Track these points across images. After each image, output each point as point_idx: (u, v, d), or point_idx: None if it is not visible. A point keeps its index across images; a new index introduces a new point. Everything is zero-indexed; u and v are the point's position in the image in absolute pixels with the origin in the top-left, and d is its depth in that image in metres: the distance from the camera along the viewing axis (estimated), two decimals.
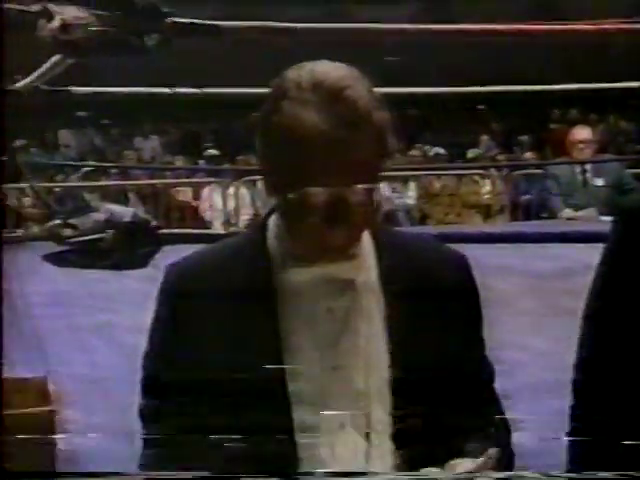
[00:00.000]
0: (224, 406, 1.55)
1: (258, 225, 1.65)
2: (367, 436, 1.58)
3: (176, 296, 1.61)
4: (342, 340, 1.58)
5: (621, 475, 1.54)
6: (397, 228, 1.74)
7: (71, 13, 2.47)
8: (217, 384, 1.55)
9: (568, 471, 1.69)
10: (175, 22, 2.68)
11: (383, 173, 1.57)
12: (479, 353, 1.68)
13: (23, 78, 3.09)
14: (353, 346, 1.59)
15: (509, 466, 1.63)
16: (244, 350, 1.56)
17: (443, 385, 1.59)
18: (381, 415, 1.57)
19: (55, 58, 2.85)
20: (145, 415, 1.64)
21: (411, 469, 1.56)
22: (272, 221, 1.62)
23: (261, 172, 1.59)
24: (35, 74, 3.01)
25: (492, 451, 1.54)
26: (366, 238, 1.62)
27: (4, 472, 1.18)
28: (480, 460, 1.53)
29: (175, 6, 2.74)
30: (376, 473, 1.55)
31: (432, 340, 1.60)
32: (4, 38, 1.25)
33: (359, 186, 1.51)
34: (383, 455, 1.58)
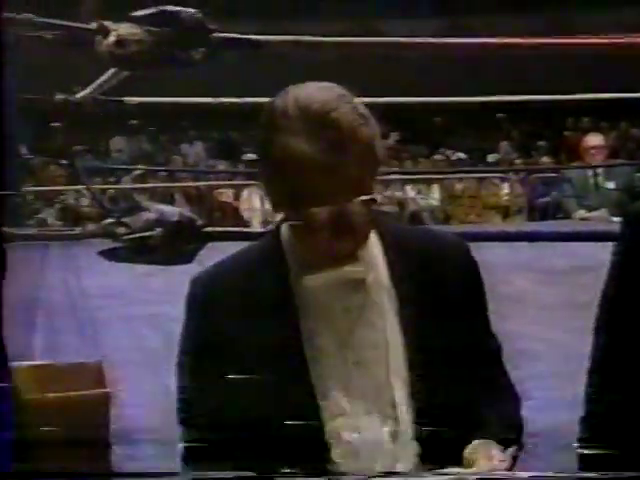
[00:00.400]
0: (256, 404, 1.55)
1: (273, 233, 1.64)
2: (392, 420, 1.57)
3: (203, 307, 1.60)
4: (360, 336, 1.58)
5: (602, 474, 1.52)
6: (398, 224, 1.72)
7: (125, 30, 2.48)
8: (247, 385, 1.54)
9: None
10: (219, 37, 2.68)
11: (378, 178, 1.56)
12: (486, 329, 1.67)
13: (82, 90, 3.11)
14: (371, 340, 1.58)
15: (519, 436, 1.62)
16: (269, 352, 1.55)
17: (457, 364, 1.58)
18: (403, 401, 1.57)
19: (110, 71, 2.87)
20: (183, 421, 1.62)
21: (433, 451, 1.56)
22: (284, 231, 1.61)
23: (265, 194, 1.59)
24: (92, 86, 3.03)
25: (511, 449, 1.53)
26: (372, 237, 1.61)
27: (5, 472, 1.16)
28: (498, 453, 1.51)
29: (220, 22, 2.75)
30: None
31: (443, 324, 1.59)
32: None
33: (357, 199, 1.50)
34: (407, 436, 1.57)
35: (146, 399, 4.05)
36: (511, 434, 1.59)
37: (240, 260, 1.67)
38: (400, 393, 1.58)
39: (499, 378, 1.66)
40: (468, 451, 1.54)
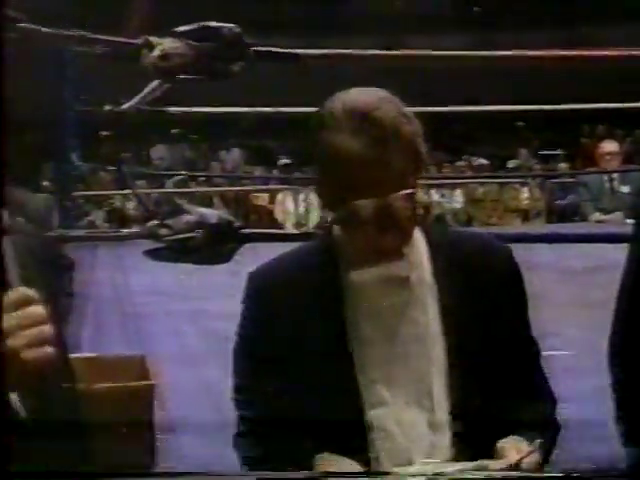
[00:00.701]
0: (304, 390, 1.55)
1: (325, 232, 1.66)
2: (430, 412, 1.57)
3: (259, 298, 1.62)
4: (403, 330, 1.58)
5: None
6: (445, 225, 1.70)
7: (169, 44, 2.48)
8: (298, 370, 1.56)
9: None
10: (257, 50, 2.68)
11: (420, 177, 1.57)
12: (526, 333, 1.66)
13: (127, 101, 3.13)
14: (413, 335, 1.58)
15: (553, 437, 1.61)
16: (319, 343, 1.56)
17: (494, 363, 1.57)
18: (441, 393, 1.56)
19: (154, 83, 2.88)
20: (238, 402, 1.63)
21: (468, 441, 1.54)
22: (336, 231, 1.62)
23: (316, 192, 1.61)
24: (137, 97, 3.04)
25: (538, 442, 1.51)
26: (418, 237, 1.61)
27: (6, 472, 1.16)
28: (528, 448, 1.49)
29: (257, 36, 2.75)
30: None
31: (483, 324, 1.58)
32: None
33: (400, 193, 1.51)
34: (443, 429, 1.57)
35: (185, 391, 4.06)
36: (544, 434, 1.58)
37: (294, 256, 1.69)
38: (438, 386, 1.57)
39: (535, 379, 1.65)
40: (500, 445, 1.52)
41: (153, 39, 2.48)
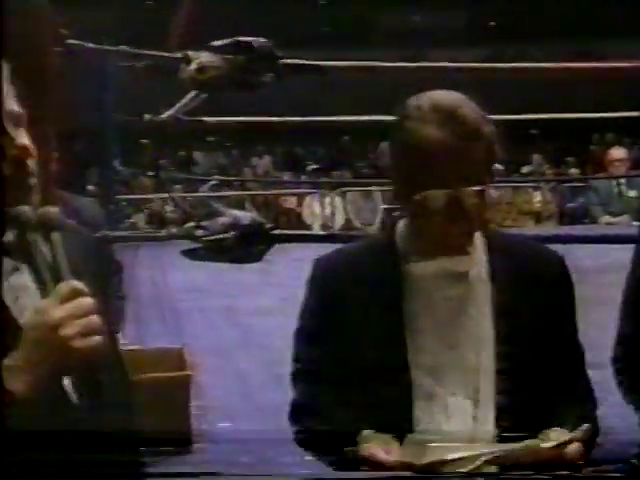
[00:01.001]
0: (359, 374, 1.54)
1: (388, 228, 1.65)
2: (475, 404, 1.55)
3: (322, 284, 1.61)
4: (456, 323, 1.56)
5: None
6: (503, 230, 1.69)
7: (205, 58, 2.49)
8: (354, 355, 1.55)
9: None
10: (286, 63, 2.68)
11: (492, 179, 1.55)
12: (573, 336, 1.63)
13: (166, 111, 3.13)
14: (465, 328, 1.56)
15: (593, 439, 1.58)
16: (375, 329, 1.55)
17: (541, 362, 1.55)
18: (487, 387, 1.54)
19: (191, 94, 2.88)
20: (295, 379, 1.63)
21: (510, 435, 1.51)
22: (400, 225, 1.61)
23: (391, 181, 1.58)
24: (175, 107, 3.04)
25: (585, 426, 1.48)
26: (478, 237, 1.60)
27: (5, 470, 1.17)
28: (574, 433, 1.47)
29: (286, 50, 2.75)
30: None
31: (534, 325, 1.57)
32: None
33: (472, 188, 1.49)
34: (487, 421, 1.54)
35: (220, 381, 4.07)
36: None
37: (358, 247, 1.70)
38: (485, 381, 1.55)
39: (579, 381, 1.61)
40: (541, 436, 1.49)
41: (191, 53, 2.49)
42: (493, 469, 1.45)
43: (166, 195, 10.73)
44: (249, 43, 2.59)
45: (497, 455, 1.45)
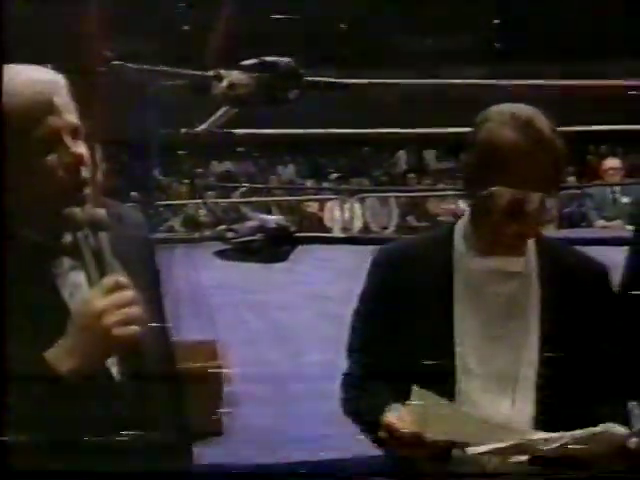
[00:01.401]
0: (407, 353, 1.52)
1: (447, 226, 1.64)
2: (513, 396, 1.52)
3: (381, 270, 1.60)
4: (503, 317, 1.54)
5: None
6: (545, 235, 1.68)
7: (235, 76, 2.48)
8: (404, 335, 1.54)
9: None
10: (310, 80, 2.67)
11: (558, 190, 1.53)
12: (611, 338, 1.58)
13: (200, 124, 3.14)
14: (512, 324, 1.54)
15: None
16: (426, 315, 1.54)
17: (582, 362, 1.52)
18: (527, 381, 1.51)
19: (223, 109, 2.88)
20: (349, 354, 1.62)
21: (547, 427, 1.46)
22: (459, 224, 1.59)
23: (463, 177, 1.56)
24: (209, 121, 3.05)
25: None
26: (530, 240, 1.58)
27: (6, 472, 1.18)
28: (630, 432, 1.42)
29: (310, 68, 2.74)
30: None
31: (577, 327, 1.54)
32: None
33: (537, 194, 1.48)
34: (524, 410, 1.52)
35: (249, 370, 4.06)
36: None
37: (417, 240, 1.69)
38: (526, 369, 1.52)
39: (617, 382, 1.57)
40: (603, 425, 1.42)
41: (222, 72, 2.48)
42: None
43: (200, 201, 10.78)
44: (274, 62, 2.58)
45: (563, 443, 1.37)
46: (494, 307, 1.54)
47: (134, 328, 1.18)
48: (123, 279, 1.21)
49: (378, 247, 1.64)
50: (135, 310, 1.19)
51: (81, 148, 1.25)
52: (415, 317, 1.54)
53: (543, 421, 1.51)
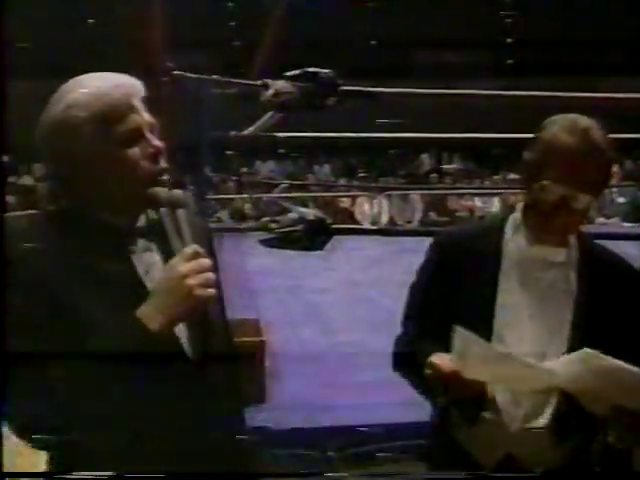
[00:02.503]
0: (454, 321, 1.47)
1: (499, 216, 1.64)
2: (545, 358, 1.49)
3: (440, 248, 1.62)
4: (541, 300, 1.54)
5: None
6: (585, 232, 1.66)
7: (280, 84, 2.46)
8: (453, 307, 1.53)
9: None
10: (345, 89, 2.64)
11: (600, 193, 1.54)
12: (634, 327, 1.57)
13: (248, 128, 3.12)
14: (548, 306, 1.53)
15: None
16: (473, 291, 1.54)
17: (608, 341, 1.48)
18: (555, 358, 1.48)
19: (268, 114, 2.86)
20: (405, 319, 1.63)
21: (569, 408, 1.45)
22: (512, 216, 1.60)
23: (523, 172, 1.56)
24: (256, 125, 3.03)
25: None
26: (572, 235, 1.58)
27: (3, 472, 1.18)
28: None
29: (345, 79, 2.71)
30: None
31: (605, 314, 1.53)
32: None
33: (587, 194, 1.48)
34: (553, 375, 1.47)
35: (287, 348, 4.05)
36: None
37: (474, 227, 1.73)
38: (554, 354, 1.49)
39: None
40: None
41: (269, 81, 2.46)
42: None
43: (246, 196, 10.79)
44: (315, 73, 2.56)
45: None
46: (534, 290, 1.54)
47: (211, 291, 1.22)
48: (200, 249, 1.25)
49: (439, 230, 1.66)
50: (211, 275, 1.23)
51: (158, 141, 1.30)
52: (464, 291, 1.54)
53: (566, 402, 1.47)
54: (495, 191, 11.74)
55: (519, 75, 13.68)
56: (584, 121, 1.52)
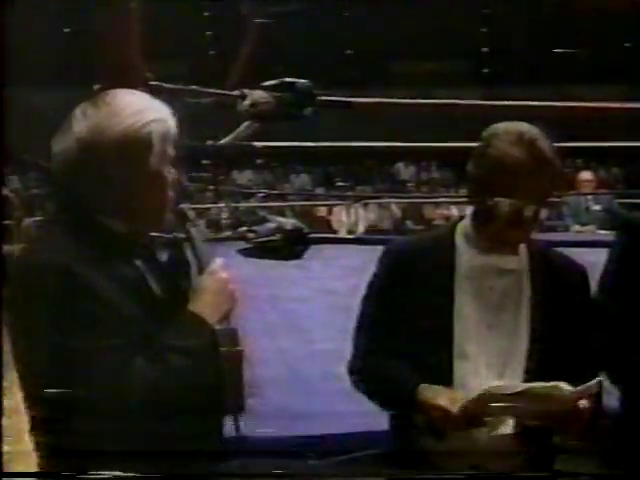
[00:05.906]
0: (408, 336, 1.52)
1: (449, 225, 1.65)
2: (503, 377, 1.53)
3: (391, 260, 1.62)
4: (496, 308, 1.55)
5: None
6: (535, 238, 1.69)
7: (258, 94, 2.48)
8: (406, 320, 1.55)
9: None
10: (322, 99, 2.67)
11: (548, 202, 1.56)
12: (588, 324, 1.62)
13: (224, 137, 3.13)
14: (504, 313, 1.55)
15: (600, 401, 1.55)
16: (427, 302, 1.55)
17: (565, 341, 1.54)
18: (517, 363, 1.53)
19: (245, 124, 2.87)
20: (356, 334, 1.65)
21: None
22: (460, 224, 1.60)
23: (469, 187, 1.57)
24: (232, 135, 3.04)
25: (595, 380, 1.47)
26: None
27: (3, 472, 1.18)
28: (586, 385, 1.45)
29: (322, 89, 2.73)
30: None
31: (559, 316, 1.56)
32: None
33: (535, 206, 1.50)
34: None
35: (265, 357, 4.04)
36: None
37: (422, 237, 1.73)
38: (516, 359, 1.53)
39: (591, 359, 1.58)
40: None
41: (246, 91, 2.48)
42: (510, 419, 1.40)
43: (223, 205, 10.79)
44: (292, 83, 2.57)
45: (522, 390, 1.39)
46: (489, 299, 1.55)
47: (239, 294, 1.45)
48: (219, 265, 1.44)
49: (388, 241, 1.65)
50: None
51: (175, 173, 1.47)
52: (418, 303, 1.54)
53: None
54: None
55: (496, 84, 13.82)
56: (530, 132, 1.51)
